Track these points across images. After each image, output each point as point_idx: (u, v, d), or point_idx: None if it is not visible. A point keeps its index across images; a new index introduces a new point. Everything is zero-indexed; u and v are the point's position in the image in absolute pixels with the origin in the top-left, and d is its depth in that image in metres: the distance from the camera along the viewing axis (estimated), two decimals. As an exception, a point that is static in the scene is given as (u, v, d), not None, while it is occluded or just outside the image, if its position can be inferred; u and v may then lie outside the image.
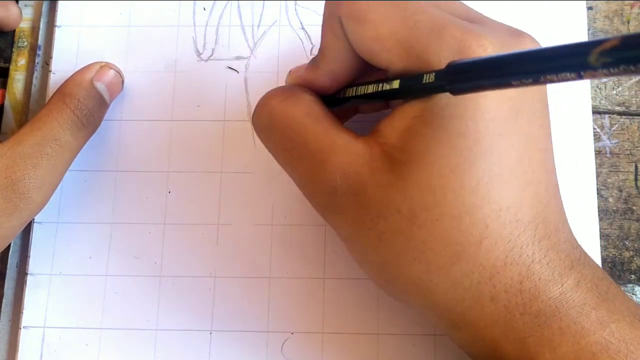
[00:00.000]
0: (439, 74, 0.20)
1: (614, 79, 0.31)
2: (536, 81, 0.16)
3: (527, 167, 0.21)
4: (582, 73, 0.15)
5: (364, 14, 0.21)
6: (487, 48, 0.20)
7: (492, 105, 0.20)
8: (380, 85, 0.22)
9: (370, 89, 0.23)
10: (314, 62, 0.24)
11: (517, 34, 0.22)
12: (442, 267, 0.21)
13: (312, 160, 0.22)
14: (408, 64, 0.21)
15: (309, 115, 0.23)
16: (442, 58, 0.20)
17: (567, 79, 0.15)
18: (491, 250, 0.20)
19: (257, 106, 0.24)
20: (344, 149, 0.22)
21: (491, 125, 0.20)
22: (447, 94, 0.20)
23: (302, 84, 0.25)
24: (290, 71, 0.26)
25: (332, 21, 0.22)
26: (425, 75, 0.20)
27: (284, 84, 0.26)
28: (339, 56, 0.23)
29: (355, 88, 0.24)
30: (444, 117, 0.20)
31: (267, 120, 0.24)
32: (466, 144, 0.20)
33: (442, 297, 0.21)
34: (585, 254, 0.22)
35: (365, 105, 0.28)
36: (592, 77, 0.15)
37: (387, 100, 0.24)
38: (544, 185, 0.21)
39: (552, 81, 0.16)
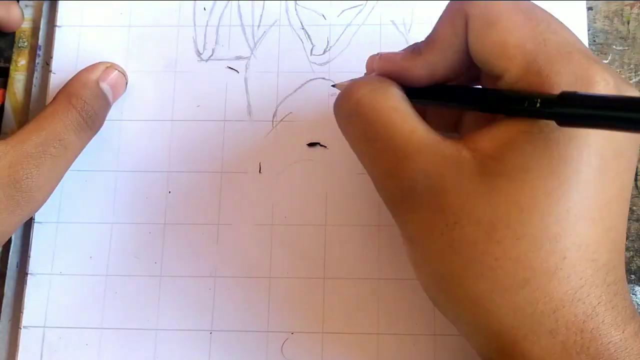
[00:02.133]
0: (549, 100, 0.19)
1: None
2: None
3: (614, 211, 0.21)
4: None
5: (496, 17, 0.21)
6: (610, 82, 0.20)
7: (600, 142, 0.20)
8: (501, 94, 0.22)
9: (476, 96, 0.22)
10: (415, 50, 0.24)
11: (628, 83, 0.22)
12: (508, 290, 0.20)
13: (396, 155, 0.22)
14: (524, 77, 0.21)
15: (397, 110, 0.22)
16: (563, 79, 0.20)
17: None
18: (562, 283, 0.20)
19: (340, 94, 0.24)
20: (431, 149, 0.21)
21: (594, 160, 0.20)
22: None
23: (393, 70, 0.24)
24: (379, 54, 0.25)
25: (457, 15, 0.22)
26: (532, 99, 0.20)
27: (364, 70, 0.26)
28: (448, 51, 0.23)
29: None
30: (551, 139, 0.20)
31: (353, 109, 0.23)
32: (566, 171, 0.20)
33: (499, 321, 0.20)
34: (637, 307, 0.22)
35: (437, 117, 0.27)
36: None
37: (483, 111, 0.23)
38: (620, 233, 0.21)
39: None
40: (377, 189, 0.23)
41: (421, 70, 0.24)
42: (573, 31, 0.23)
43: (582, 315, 0.20)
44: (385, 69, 0.24)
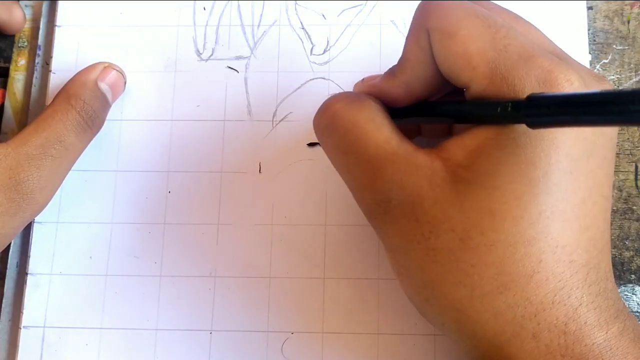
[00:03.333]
0: (518, 104, 0.19)
1: (614, 78, 0.31)
2: (619, 122, 0.16)
3: (589, 210, 0.21)
4: None
5: (455, 28, 0.21)
6: (574, 83, 0.20)
7: (568, 142, 0.20)
8: (459, 105, 0.22)
9: (450, 109, 0.23)
10: (391, 72, 0.24)
11: (599, 78, 0.22)
12: (487, 295, 0.20)
13: (370, 167, 0.22)
14: (490, 85, 0.21)
15: (371, 121, 0.23)
16: (527, 85, 0.20)
17: None
18: (541, 286, 0.20)
19: (320, 108, 0.24)
20: (404, 159, 0.22)
21: (563, 161, 0.20)
22: None
23: (374, 92, 0.25)
24: (362, 79, 0.26)
25: (419, 32, 0.22)
26: (503, 104, 0.20)
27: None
28: (418, 68, 0.23)
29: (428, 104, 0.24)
30: (518, 144, 0.20)
31: (329, 121, 0.24)
32: (535, 174, 0.20)
33: (482, 327, 0.21)
34: (625, 306, 0.22)
35: (430, 126, 0.27)
36: None
37: (458, 122, 0.23)
38: (600, 231, 0.21)
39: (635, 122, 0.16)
40: (356, 201, 0.24)
41: (398, 91, 0.24)
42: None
43: (564, 318, 0.20)
44: (367, 92, 0.25)
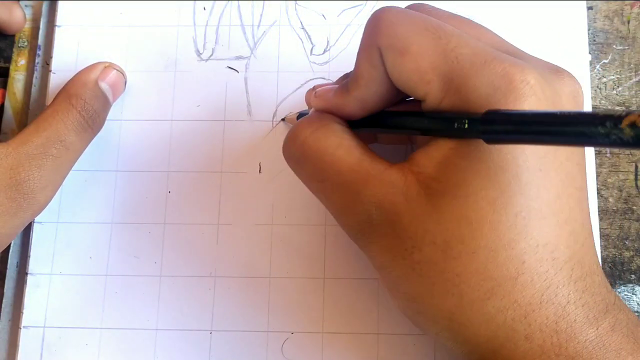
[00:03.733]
0: (474, 121, 0.19)
1: (614, 78, 0.31)
2: (573, 143, 0.16)
3: (565, 204, 0.21)
4: (613, 141, 0.15)
5: (406, 45, 0.21)
6: (530, 82, 0.20)
7: None
8: (414, 119, 0.22)
9: (408, 123, 0.23)
10: (344, 88, 0.24)
11: (557, 70, 0.22)
12: (475, 302, 0.20)
13: (346, 191, 0.22)
14: (445, 99, 0.21)
15: (340, 146, 0.23)
16: (482, 94, 0.20)
17: (601, 145, 0.16)
18: (527, 287, 0.20)
19: (287, 138, 0.24)
20: (378, 179, 0.22)
21: (530, 159, 0.20)
22: None
23: (329, 108, 0.24)
24: (314, 88, 0.25)
25: (371, 50, 0.22)
26: (460, 120, 0.20)
27: (303, 99, 0.26)
28: (372, 85, 0.23)
29: (383, 115, 0.24)
30: (481, 150, 0.20)
31: (299, 152, 0.24)
32: (505, 177, 0.20)
33: (474, 333, 0.21)
34: (619, 298, 0.22)
35: (387, 135, 0.27)
36: (622, 147, 0.15)
37: (417, 134, 0.23)
38: (579, 224, 0.21)
39: (590, 144, 0.16)
40: (339, 224, 0.24)
41: (353, 106, 0.24)
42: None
43: (554, 317, 0.20)
44: (320, 107, 0.25)
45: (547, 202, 0.20)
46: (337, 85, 0.25)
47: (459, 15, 0.24)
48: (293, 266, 0.29)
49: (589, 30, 0.32)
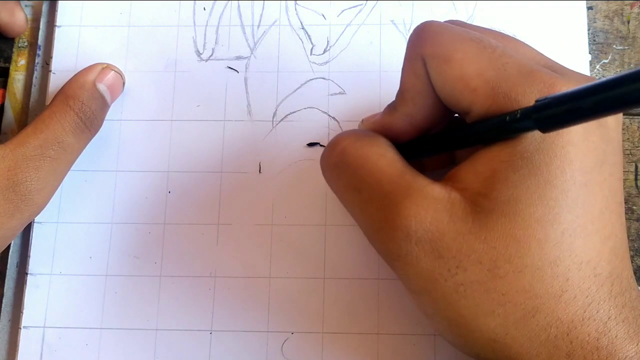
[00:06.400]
0: (527, 110, 0.19)
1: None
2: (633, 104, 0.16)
3: (607, 220, 0.20)
4: None
5: (450, 53, 0.21)
6: None
7: (579, 155, 0.20)
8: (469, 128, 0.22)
9: (457, 134, 0.22)
10: (392, 106, 0.24)
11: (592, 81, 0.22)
12: (519, 320, 0.20)
13: (385, 204, 0.21)
14: (492, 105, 0.21)
15: (383, 156, 0.22)
16: (531, 100, 0.20)
17: None
18: (570, 304, 0.20)
19: (328, 145, 0.24)
20: (421, 193, 0.21)
21: (577, 175, 0.20)
22: (536, 138, 0.19)
23: (377, 129, 0.24)
24: (362, 120, 0.25)
25: (415, 61, 0.22)
26: (511, 114, 0.20)
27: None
28: (418, 98, 0.23)
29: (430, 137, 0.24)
30: (534, 163, 0.20)
31: (338, 159, 0.23)
32: (553, 194, 0.20)
33: (517, 351, 0.20)
34: None
35: (434, 160, 0.27)
36: None
37: (465, 146, 0.23)
38: (620, 239, 0.21)
39: None
40: (371, 243, 0.23)
41: (401, 124, 0.24)
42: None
43: (595, 333, 0.20)
44: (369, 129, 0.24)
45: (591, 219, 0.20)
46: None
47: (496, 31, 0.24)
48: (293, 266, 0.29)
49: (589, 30, 0.32)
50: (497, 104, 0.20)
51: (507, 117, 0.20)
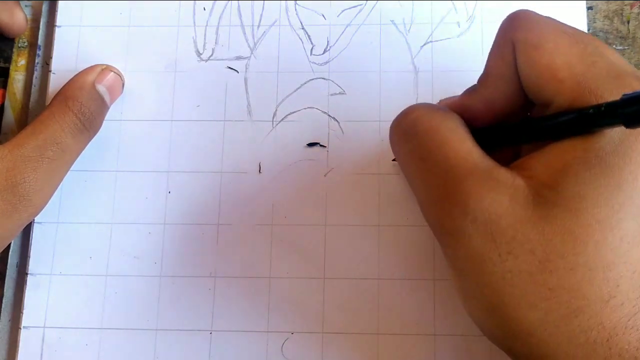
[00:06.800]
0: (612, 104, 0.19)
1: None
2: None
3: None
4: None
5: (542, 41, 0.21)
6: None
7: None
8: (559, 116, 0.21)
9: (535, 124, 0.22)
10: (472, 89, 0.24)
11: None
12: (561, 319, 0.20)
13: (448, 176, 0.21)
14: (577, 99, 0.20)
15: (453, 131, 0.22)
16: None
17: None
18: (616, 311, 0.20)
19: (400, 113, 0.24)
20: (486, 173, 0.21)
21: None
22: (614, 139, 0.19)
23: (454, 108, 0.24)
24: (440, 100, 0.26)
25: (504, 45, 0.22)
26: (596, 106, 0.19)
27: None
28: (501, 83, 0.22)
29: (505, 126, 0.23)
30: (607, 164, 0.19)
31: (410, 125, 0.23)
32: (620, 198, 0.19)
33: (553, 350, 0.20)
34: None
35: (498, 155, 0.27)
36: None
37: (538, 139, 0.22)
38: None
39: None
40: (425, 215, 0.23)
41: (478, 106, 0.24)
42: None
43: (636, 343, 0.20)
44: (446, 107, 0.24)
45: None
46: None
47: (589, 34, 0.24)
48: (293, 266, 0.29)
49: (589, 30, 0.32)
50: (582, 98, 0.20)
51: (591, 110, 0.19)
